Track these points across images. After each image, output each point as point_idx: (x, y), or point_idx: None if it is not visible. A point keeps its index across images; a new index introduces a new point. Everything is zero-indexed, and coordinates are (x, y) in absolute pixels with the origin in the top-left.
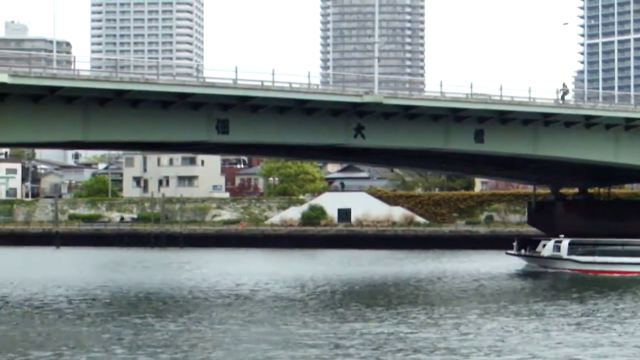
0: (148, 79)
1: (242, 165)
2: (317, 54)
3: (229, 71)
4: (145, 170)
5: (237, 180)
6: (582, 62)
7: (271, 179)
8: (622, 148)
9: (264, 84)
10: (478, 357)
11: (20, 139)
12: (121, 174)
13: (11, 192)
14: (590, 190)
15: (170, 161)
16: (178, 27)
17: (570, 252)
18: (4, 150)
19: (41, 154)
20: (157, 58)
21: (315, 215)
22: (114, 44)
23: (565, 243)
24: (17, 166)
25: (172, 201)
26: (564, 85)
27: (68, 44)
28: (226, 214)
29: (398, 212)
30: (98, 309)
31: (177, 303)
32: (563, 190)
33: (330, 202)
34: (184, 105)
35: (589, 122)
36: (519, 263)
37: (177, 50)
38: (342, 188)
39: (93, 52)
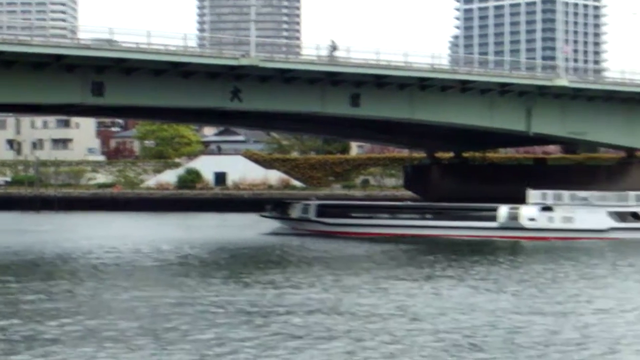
0: (21, 40)
1: (118, 128)
2: (193, 16)
3: (104, 33)
4: (18, 132)
5: (113, 143)
6: (458, 28)
7: (147, 142)
8: (496, 113)
9: (140, 46)
10: None
11: None
12: None
13: None
14: (465, 155)
15: (45, 123)
16: None
17: (318, 214)
18: None
19: None
20: (30, 19)
21: (191, 178)
22: None
23: (313, 205)
24: None
25: (47, 164)
26: (332, 41)
27: None
28: (101, 177)
29: (274, 176)
30: None
31: (39, 268)
32: (438, 154)
33: (206, 166)
34: (58, 67)
35: (465, 87)
36: (273, 225)
37: (51, 12)
38: (219, 151)
39: None
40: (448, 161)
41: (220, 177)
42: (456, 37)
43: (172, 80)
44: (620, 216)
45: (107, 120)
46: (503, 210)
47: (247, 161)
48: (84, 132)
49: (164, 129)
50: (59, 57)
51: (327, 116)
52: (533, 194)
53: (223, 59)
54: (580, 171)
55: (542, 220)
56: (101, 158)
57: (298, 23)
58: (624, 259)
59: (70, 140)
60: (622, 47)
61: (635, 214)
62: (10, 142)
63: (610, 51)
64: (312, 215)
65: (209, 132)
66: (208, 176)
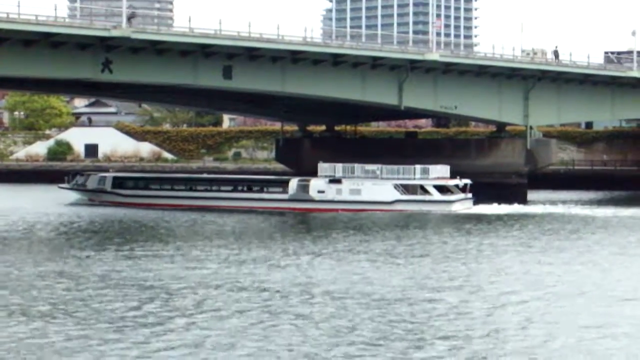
0: None
1: None
2: None
3: None
4: None
5: None
6: (331, 1)
7: (17, 113)
8: (368, 86)
9: (9, 16)
10: None
11: None
12: None
13: None
14: (337, 128)
15: None
16: None
17: (114, 185)
18: None
19: None
20: None
21: (61, 150)
22: None
23: (109, 177)
24: None
25: None
26: (132, 13)
27: None
28: None
29: (146, 148)
30: None
31: None
32: (311, 128)
33: (77, 138)
34: None
35: (337, 61)
36: (71, 196)
37: None
38: (90, 123)
39: None
40: (320, 134)
41: (92, 149)
42: (329, 10)
43: (42, 51)
44: (406, 189)
45: None
46: (293, 183)
47: (119, 133)
48: None
49: (35, 100)
50: None
51: (200, 88)
52: (323, 167)
53: (94, 30)
54: (451, 145)
55: (331, 192)
56: None
57: None
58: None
59: None
60: (492, 23)
61: (421, 186)
62: None
63: (481, 27)
64: (108, 186)
65: (80, 103)
66: (79, 148)
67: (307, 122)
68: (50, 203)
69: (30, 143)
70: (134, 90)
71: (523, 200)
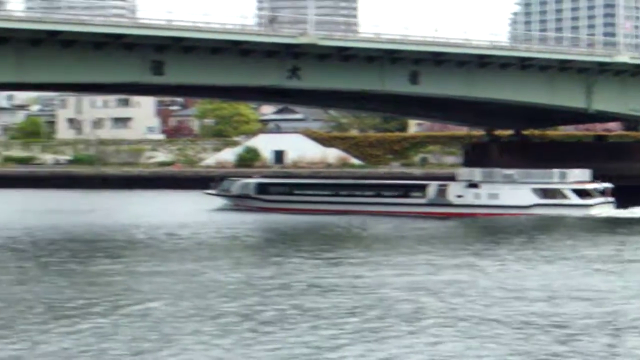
0: (82, 20)
1: (177, 107)
2: None
3: (163, 12)
4: (79, 111)
5: (172, 122)
6: (518, 4)
7: (206, 120)
8: (556, 90)
9: (198, 24)
10: None
11: None
12: (55, 116)
13: None
14: (524, 132)
15: (105, 103)
16: None
17: (258, 191)
18: None
19: None
20: None
21: (249, 156)
22: None
23: (254, 182)
24: None
25: (107, 143)
26: (271, 16)
27: None
28: (161, 156)
29: (333, 154)
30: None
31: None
32: (498, 132)
33: (265, 144)
34: (117, 46)
35: (524, 64)
36: (217, 202)
37: None
38: (277, 130)
39: None
40: (507, 139)
41: (279, 156)
42: (515, 13)
43: (231, 59)
44: (545, 193)
45: (167, 99)
46: (432, 188)
47: (306, 139)
48: (143, 111)
49: (223, 107)
50: (118, 36)
51: (386, 94)
52: (461, 172)
53: (281, 37)
54: None
55: (469, 196)
56: (161, 137)
57: (355, 0)
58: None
59: (130, 119)
60: None
61: (559, 190)
62: (71, 121)
63: None
64: (252, 192)
65: (268, 110)
66: (267, 154)
67: (494, 127)
68: (196, 209)
69: (219, 150)
70: (321, 97)
71: None
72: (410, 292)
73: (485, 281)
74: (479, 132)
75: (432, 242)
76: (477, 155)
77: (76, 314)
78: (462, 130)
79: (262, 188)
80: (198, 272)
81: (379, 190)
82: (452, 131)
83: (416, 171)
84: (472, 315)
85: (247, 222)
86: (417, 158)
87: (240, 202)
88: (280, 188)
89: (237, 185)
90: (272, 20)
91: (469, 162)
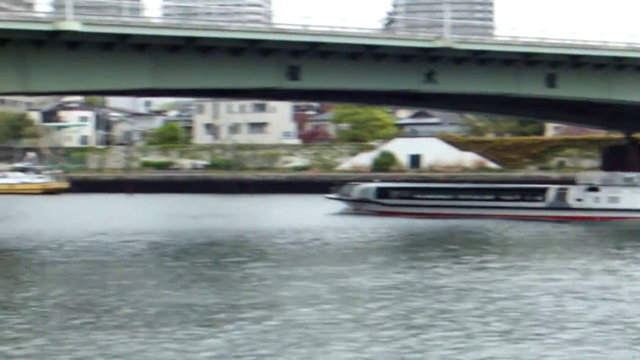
0: (219, 26)
1: (313, 112)
2: None
3: (299, 17)
4: (216, 117)
5: (308, 127)
6: None
7: (342, 125)
8: None
9: (334, 29)
10: None
11: (93, 87)
12: (192, 121)
13: (84, 139)
14: None
15: (241, 108)
16: None
17: (378, 195)
18: (76, 98)
19: (113, 101)
20: (227, 5)
21: (385, 161)
22: None
23: (373, 187)
24: (90, 114)
25: (243, 148)
26: (388, 14)
27: None
28: (297, 161)
29: (469, 158)
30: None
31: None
32: (637, 135)
33: (401, 148)
34: (254, 52)
35: None
36: (337, 206)
37: None
38: (413, 134)
39: None
40: None
41: (415, 160)
42: None
43: (366, 63)
44: None
45: (303, 104)
46: (552, 191)
47: (442, 143)
48: (279, 116)
49: (359, 112)
50: (255, 42)
51: (522, 97)
52: (582, 176)
53: (417, 41)
54: None
55: (589, 200)
56: (297, 141)
57: (491, 4)
58: None
59: (266, 124)
60: None
61: None
62: (208, 127)
63: None
64: (371, 196)
65: (404, 114)
66: (403, 159)
67: (633, 130)
68: (316, 213)
69: (355, 154)
70: (457, 101)
71: None
72: (560, 298)
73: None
74: (617, 135)
75: (569, 245)
76: (615, 158)
77: (225, 319)
78: (599, 134)
79: (381, 192)
80: (342, 276)
81: (498, 194)
82: (589, 134)
83: (553, 175)
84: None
85: (372, 226)
86: (554, 162)
87: (360, 206)
88: (400, 192)
89: (356, 190)
90: (390, 23)
91: (606, 166)
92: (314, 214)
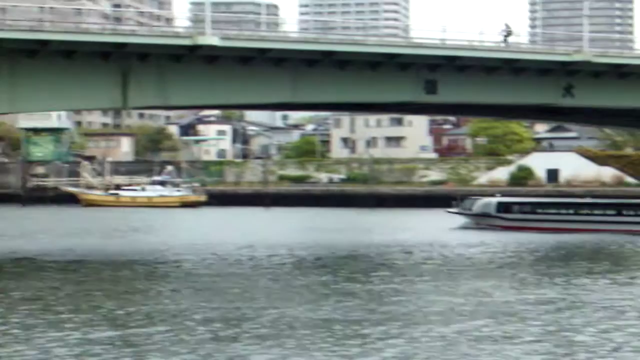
0: (356, 40)
1: (450, 126)
2: (525, 13)
3: (436, 31)
4: (353, 131)
5: (445, 141)
6: None
7: (478, 139)
8: None
9: (472, 43)
10: None
11: (231, 101)
12: (329, 135)
13: (222, 153)
14: None
15: (378, 122)
16: None
17: (499, 210)
18: (214, 112)
19: (250, 115)
20: (364, 19)
21: (523, 175)
22: (321, 5)
23: (494, 201)
24: (227, 128)
25: (380, 162)
26: (506, 25)
27: (275, 7)
28: (433, 175)
29: (607, 173)
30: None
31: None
32: None
33: (538, 163)
34: (391, 66)
35: None
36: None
37: (384, 11)
38: (551, 148)
39: (300, 14)
40: None
41: (553, 174)
42: None
43: (504, 77)
44: None
45: (439, 118)
46: None
47: (580, 158)
48: (416, 130)
49: (496, 126)
50: (392, 56)
51: None
52: None
53: (555, 55)
54: None
55: None
56: (433, 156)
57: (631, 17)
58: None
59: (403, 138)
60: None
61: None
62: (345, 141)
63: None
64: (492, 210)
65: (541, 128)
66: (540, 173)
67: None
68: (441, 227)
69: (491, 168)
70: (595, 115)
71: None
72: None
73: None
74: None
75: None
76: None
77: (368, 334)
78: None
79: (502, 207)
80: (483, 292)
81: (620, 208)
82: None
83: None
84: None
85: (497, 240)
86: None
87: (481, 220)
88: (521, 207)
89: (478, 204)
90: (508, 35)
91: None
92: (436, 227)
